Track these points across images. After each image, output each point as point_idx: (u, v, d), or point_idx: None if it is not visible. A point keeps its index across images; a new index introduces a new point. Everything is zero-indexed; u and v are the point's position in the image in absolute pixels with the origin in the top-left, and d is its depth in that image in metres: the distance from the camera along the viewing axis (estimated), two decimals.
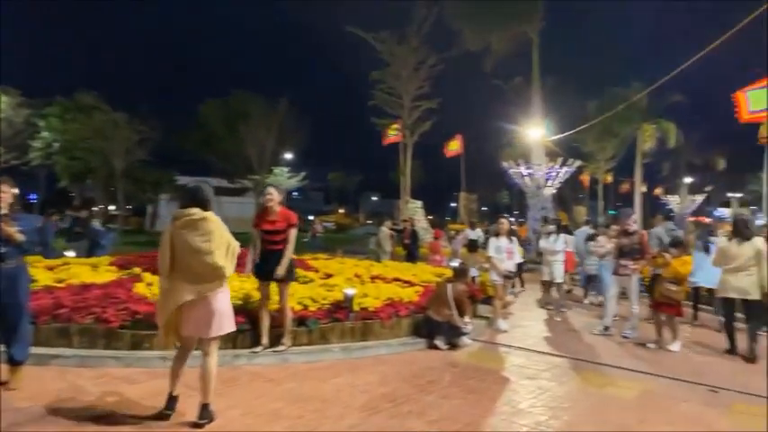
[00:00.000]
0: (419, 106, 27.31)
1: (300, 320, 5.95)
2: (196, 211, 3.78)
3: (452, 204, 52.44)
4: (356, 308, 6.30)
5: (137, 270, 7.50)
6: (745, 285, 6.53)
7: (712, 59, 13.73)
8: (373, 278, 8.20)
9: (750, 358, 6.41)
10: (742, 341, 6.65)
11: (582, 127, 23.79)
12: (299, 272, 7.57)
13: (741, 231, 6.73)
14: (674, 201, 43.85)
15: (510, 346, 6.81)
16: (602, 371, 5.82)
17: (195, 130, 35.24)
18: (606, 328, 7.66)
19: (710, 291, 8.78)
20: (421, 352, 6.33)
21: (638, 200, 34.03)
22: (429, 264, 11.79)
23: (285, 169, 36.06)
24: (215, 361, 3.88)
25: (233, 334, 4.15)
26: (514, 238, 8.30)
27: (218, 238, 3.76)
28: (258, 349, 5.56)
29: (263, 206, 5.71)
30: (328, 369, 5.41)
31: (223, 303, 3.88)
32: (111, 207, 36.82)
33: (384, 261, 11.79)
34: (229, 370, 5.06)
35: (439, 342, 6.44)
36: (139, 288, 6.26)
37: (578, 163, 24.43)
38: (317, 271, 8.59)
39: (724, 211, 42.27)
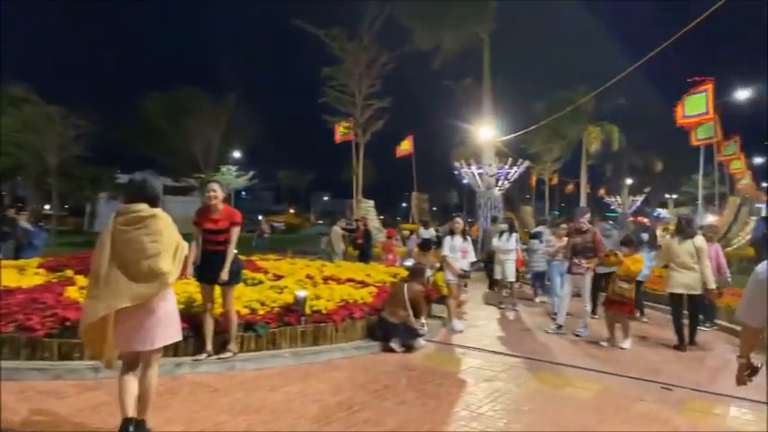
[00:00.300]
0: (371, 105, 27.13)
1: (248, 325, 5.62)
2: (144, 207, 3.36)
3: (403, 204, 52.54)
4: (308, 310, 6.02)
5: (69, 273, 6.95)
6: (689, 281, 6.99)
7: (654, 65, 14.25)
8: (326, 279, 7.93)
9: (691, 344, 7.00)
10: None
11: (532, 128, 24.28)
12: (247, 273, 7.21)
13: (683, 229, 7.23)
14: (616, 201, 45.61)
15: (466, 347, 6.70)
16: (558, 370, 5.78)
17: (137, 125, 33.71)
18: (559, 327, 7.69)
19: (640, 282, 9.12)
20: (376, 355, 6.12)
21: (583, 200, 35.14)
22: (382, 263, 11.64)
23: (233, 168, 35.05)
24: (155, 372, 3.46)
25: None
26: (469, 237, 8.24)
27: (166, 238, 3.35)
28: (202, 356, 5.19)
29: (205, 203, 5.37)
30: (278, 376, 5.11)
31: (168, 309, 3.45)
32: (47, 206, 34.81)
33: (336, 261, 11.54)
34: (170, 380, 4.69)
35: (394, 344, 6.24)
36: (71, 292, 5.74)
37: (527, 163, 24.87)
38: (266, 272, 8.23)
39: (661, 212, 44.32)
